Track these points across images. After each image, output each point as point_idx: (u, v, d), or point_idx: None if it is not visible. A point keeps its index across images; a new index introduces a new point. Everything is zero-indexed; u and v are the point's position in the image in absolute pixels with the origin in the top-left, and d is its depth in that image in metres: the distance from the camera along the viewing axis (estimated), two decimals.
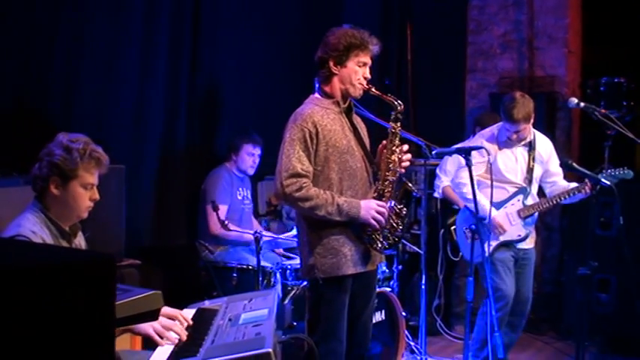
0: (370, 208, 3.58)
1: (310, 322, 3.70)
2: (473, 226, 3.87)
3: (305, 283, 4.79)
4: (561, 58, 6.72)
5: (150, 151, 5.30)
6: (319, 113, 3.64)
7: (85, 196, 3.00)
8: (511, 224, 4.85)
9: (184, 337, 2.94)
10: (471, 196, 4.11)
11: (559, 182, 5.00)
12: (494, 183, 4.43)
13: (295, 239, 5.06)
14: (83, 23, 4.75)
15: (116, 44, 4.99)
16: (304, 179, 3.54)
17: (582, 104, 4.66)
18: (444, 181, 6.20)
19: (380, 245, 3.64)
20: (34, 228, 2.90)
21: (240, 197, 5.55)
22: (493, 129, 5.01)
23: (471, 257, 4.08)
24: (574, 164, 4.44)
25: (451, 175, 6.19)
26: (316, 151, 3.60)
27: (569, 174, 5.10)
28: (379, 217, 3.57)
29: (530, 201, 4.90)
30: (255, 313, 3.35)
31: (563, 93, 6.69)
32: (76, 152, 2.94)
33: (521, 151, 4.93)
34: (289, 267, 4.97)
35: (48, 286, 1.31)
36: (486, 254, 4.31)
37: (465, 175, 4.58)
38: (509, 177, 4.87)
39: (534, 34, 6.81)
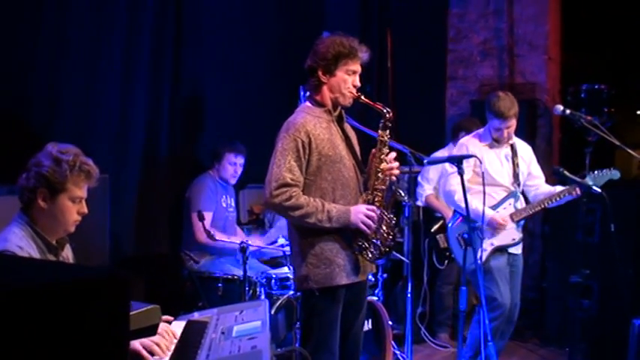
0: (359, 212, 3.54)
1: (302, 334, 3.65)
2: (465, 235, 3.83)
3: (291, 293, 4.76)
4: (541, 65, 6.76)
5: (132, 159, 5.23)
6: (311, 122, 3.61)
7: (73, 210, 2.92)
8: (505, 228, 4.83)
9: (168, 350, 2.86)
10: (463, 204, 4.08)
11: (542, 186, 5.02)
12: (487, 186, 4.42)
13: (281, 249, 5.04)
14: (65, 32, 4.67)
15: (98, 52, 4.92)
16: (294, 188, 3.50)
17: (568, 111, 4.68)
18: (426, 189, 6.20)
19: (371, 255, 3.61)
20: (20, 243, 2.80)
21: (224, 205, 5.49)
22: (479, 132, 5.00)
23: (463, 265, 4.05)
24: (565, 172, 4.45)
25: (433, 182, 6.19)
26: (309, 160, 3.56)
27: (552, 178, 5.11)
28: (368, 221, 3.54)
29: (520, 205, 4.90)
30: (248, 326, 3.29)
31: (544, 100, 6.72)
32: (66, 164, 2.85)
33: (505, 155, 4.91)
34: (274, 276, 4.92)
35: (62, 305, 1.27)
36: (479, 262, 4.31)
37: (454, 182, 4.54)
38: (498, 179, 4.84)
39: (514, 42, 6.84)
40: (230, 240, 5.02)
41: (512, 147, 4.92)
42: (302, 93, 5.09)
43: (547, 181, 5.11)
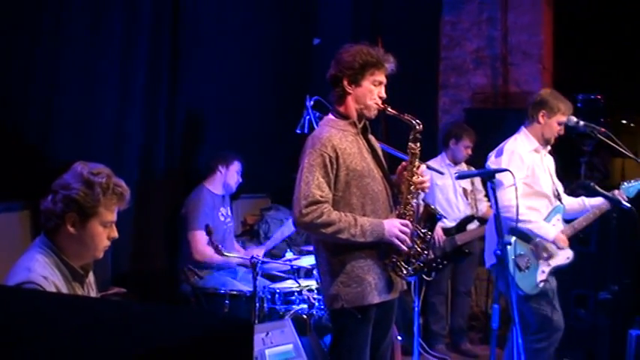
0: (394, 227, 3.40)
1: (333, 355, 3.51)
2: (498, 252, 3.67)
3: (296, 308, 4.62)
4: (536, 74, 6.73)
5: (129, 174, 5.03)
6: (337, 136, 3.46)
7: (103, 235, 2.71)
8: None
9: None
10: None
11: (565, 196, 4.72)
12: (535, 199, 4.26)
13: (289, 263, 4.90)
14: (61, 47, 4.50)
15: (94, 67, 4.77)
16: (324, 205, 3.36)
17: (582, 123, 4.57)
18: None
19: (405, 272, 3.47)
20: (45, 272, 2.59)
21: (222, 218, 5.34)
22: (523, 136, 4.55)
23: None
24: (596, 187, 4.32)
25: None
26: (337, 176, 3.41)
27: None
28: (403, 235, 3.40)
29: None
30: (280, 349, 3.19)
31: None
32: (98, 187, 2.64)
33: (546, 161, 4.57)
34: (278, 291, 4.77)
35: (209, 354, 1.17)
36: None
37: (512, 196, 3.95)
38: (544, 189, 4.47)
39: (508, 50, 6.79)
40: (236, 255, 4.88)
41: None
42: (308, 102, 4.97)
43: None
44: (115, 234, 2.76)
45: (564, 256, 4.52)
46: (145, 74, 5.16)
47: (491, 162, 4.49)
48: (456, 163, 6.15)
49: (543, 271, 4.43)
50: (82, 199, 2.63)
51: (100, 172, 2.69)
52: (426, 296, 6.34)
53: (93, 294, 2.92)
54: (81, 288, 2.78)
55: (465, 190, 6.16)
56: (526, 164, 4.39)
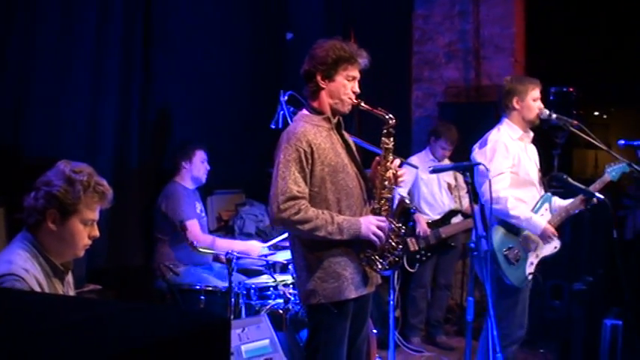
0: (370, 224, 3.42)
1: (308, 349, 3.51)
2: (472, 244, 3.68)
3: (272, 303, 4.62)
4: (508, 67, 6.76)
5: (102, 171, 4.96)
6: (312, 131, 3.46)
7: (84, 234, 2.75)
8: None
9: None
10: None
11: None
12: (522, 188, 4.25)
13: (264, 258, 4.90)
14: (34, 43, 4.47)
15: (67, 63, 4.74)
16: (302, 201, 3.35)
17: (554, 115, 4.59)
18: (400, 192, 6.09)
19: (380, 266, 3.49)
20: (26, 265, 2.61)
21: (198, 211, 5.31)
22: (506, 127, 4.52)
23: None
24: (569, 179, 4.34)
25: (408, 185, 6.07)
26: (312, 171, 3.41)
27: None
28: (379, 232, 3.42)
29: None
30: (256, 345, 3.19)
31: None
32: (79, 185, 2.68)
33: (530, 151, 4.56)
34: (253, 286, 4.77)
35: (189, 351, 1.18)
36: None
37: (497, 188, 4.08)
38: (531, 176, 4.46)
39: (480, 44, 6.82)
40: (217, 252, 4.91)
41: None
42: (282, 97, 4.96)
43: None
44: (97, 233, 2.80)
45: (552, 246, 4.51)
46: (118, 73, 5.13)
47: (476, 153, 4.51)
48: (439, 159, 6.17)
49: (532, 263, 4.43)
50: (63, 196, 2.66)
51: (81, 170, 2.74)
52: (407, 289, 6.37)
53: (71, 293, 2.95)
54: (61, 285, 2.82)
55: (449, 185, 6.19)
56: (511, 153, 4.40)
